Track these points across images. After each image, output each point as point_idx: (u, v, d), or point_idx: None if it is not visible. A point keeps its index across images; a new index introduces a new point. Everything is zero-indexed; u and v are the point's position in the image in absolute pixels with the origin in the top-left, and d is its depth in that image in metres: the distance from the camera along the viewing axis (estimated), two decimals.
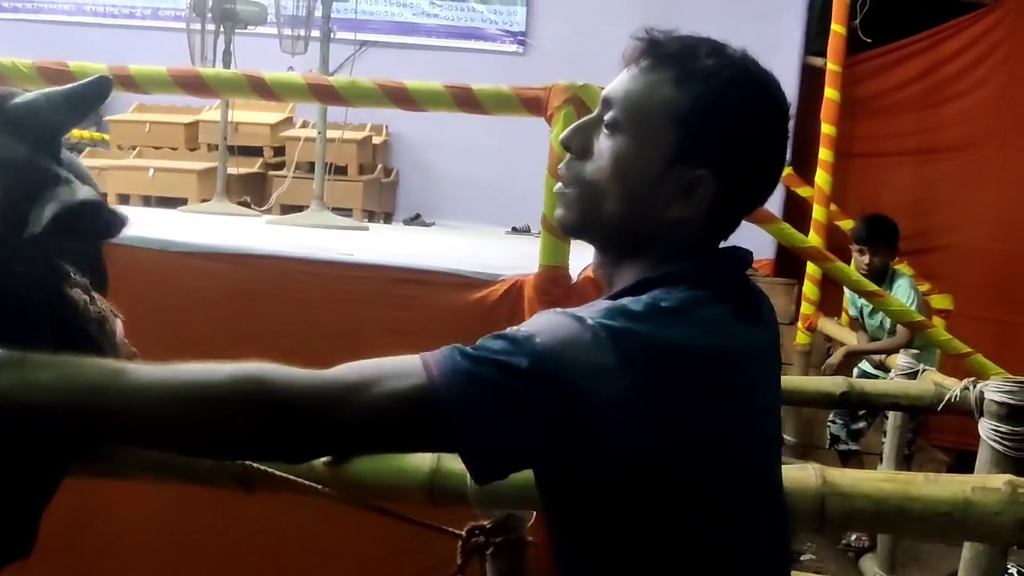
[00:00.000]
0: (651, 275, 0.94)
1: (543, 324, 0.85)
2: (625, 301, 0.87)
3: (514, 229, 5.99)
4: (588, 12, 6.49)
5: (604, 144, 0.97)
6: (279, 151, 6.14)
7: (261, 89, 2.22)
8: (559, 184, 1.01)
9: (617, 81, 0.99)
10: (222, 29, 4.88)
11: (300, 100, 3.40)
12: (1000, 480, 1.21)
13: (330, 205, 4.65)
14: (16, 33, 6.92)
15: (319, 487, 1.24)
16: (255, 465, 1.24)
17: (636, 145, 0.95)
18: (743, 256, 1.00)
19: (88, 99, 1.02)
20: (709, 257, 0.98)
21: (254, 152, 6.00)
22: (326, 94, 2.29)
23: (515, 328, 0.86)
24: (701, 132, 0.94)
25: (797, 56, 6.08)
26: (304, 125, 6.22)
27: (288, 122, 6.42)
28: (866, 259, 4.19)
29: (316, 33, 4.56)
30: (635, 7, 6.25)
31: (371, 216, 6.11)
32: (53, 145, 0.98)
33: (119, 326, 1.15)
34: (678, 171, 0.94)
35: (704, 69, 0.94)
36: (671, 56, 0.95)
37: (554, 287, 1.99)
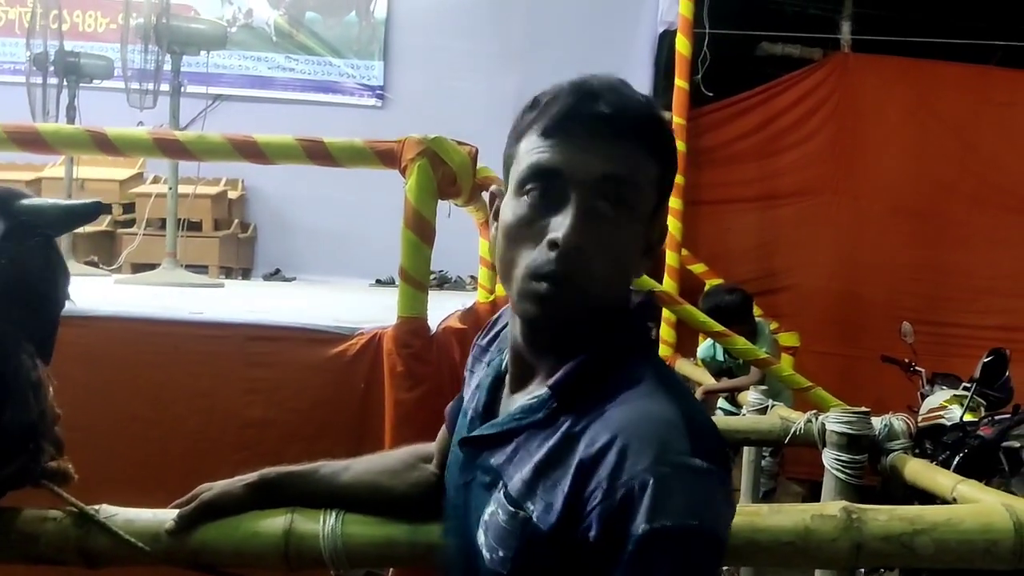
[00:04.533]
0: (605, 354, 0.95)
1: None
2: (672, 438, 0.85)
3: (378, 281, 5.96)
4: (445, 66, 6.60)
5: (603, 228, 0.92)
6: (128, 208, 5.93)
7: (105, 145, 2.14)
8: (544, 284, 0.92)
9: (589, 163, 0.92)
10: (65, 83, 4.70)
11: (147, 155, 3.32)
12: (836, 507, 1.28)
13: (184, 262, 4.51)
14: None
15: (167, 557, 1.19)
16: (100, 536, 1.19)
17: (632, 219, 0.94)
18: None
19: (81, 218, 1.25)
20: (637, 316, 1.02)
21: None
22: (174, 149, 2.24)
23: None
24: (666, 191, 0.99)
25: None
26: (156, 180, 6.02)
27: (138, 178, 6.21)
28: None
29: (166, 87, 4.45)
30: (492, 63, 6.42)
31: (229, 272, 5.95)
32: (46, 241, 1.20)
33: (51, 391, 1.24)
34: (647, 233, 0.98)
35: (664, 131, 0.98)
36: (637, 126, 0.94)
37: (413, 339, 1.99)
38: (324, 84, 6.88)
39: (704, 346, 4.96)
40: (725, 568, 4.09)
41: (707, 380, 4.74)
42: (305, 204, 6.53)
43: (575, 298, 0.92)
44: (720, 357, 4.78)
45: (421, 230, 2.03)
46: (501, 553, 0.91)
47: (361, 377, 2.07)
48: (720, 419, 3.12)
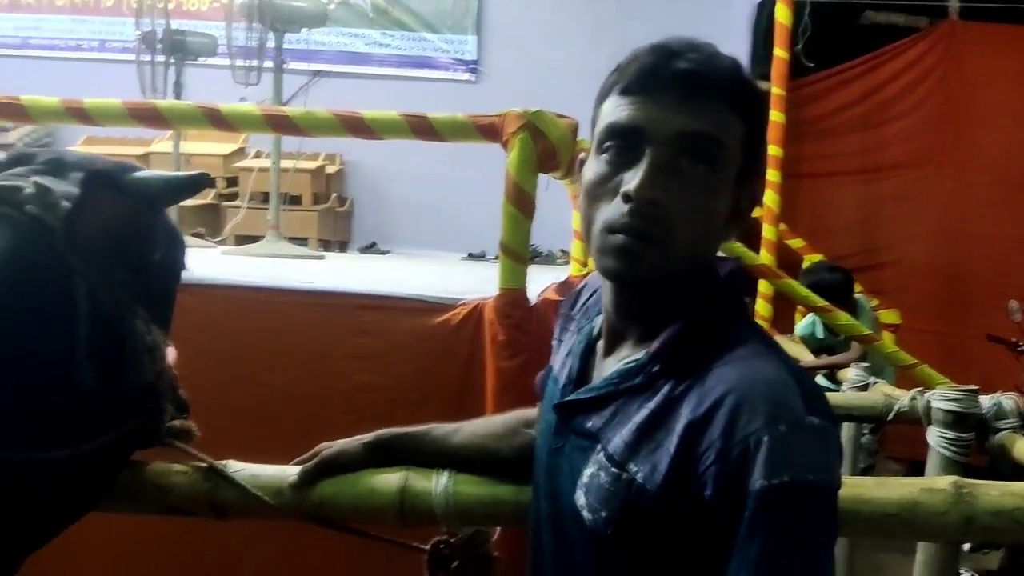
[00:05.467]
0: (706, 320, 0.95)
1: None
2: (788, 397, 0.86)
3: (470, 255, 6.03)
4: (537, 40, 6.60)
5: (686, 187, 0.92)
6: (232, 182, 6.13)
7: (217, 120, 2.23)
8: (620, 236, 0.92)
9: (667, 119, 0.92)
10: (172, 61, 4.87)
11: (256, 131, 3.42)
12: (945, 481, 1.27)
13: (285, 235, 4.65)
14: None
15: (290, 510, 1.26)
16: (228, 490, 1.26)
17: (717, 180, 0.94)
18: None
19: (187, 189, 1.26)
20: (731, 283, 1.02)
21: None
22: (283, 125, 2.31)
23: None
24: (755, 153, 0.97)
25: None
26: (257, 155, 6.21)
27: (240, 153, 6.40)
28: None
29: (268, 64, 4.58)
30: (584, 35, 6.38)
31: (326, 245, 6.11)
32: (154, 212, 1.24)
33: (171, 355, 1.30)
34: (736, 195, 0.96)
35: (750, 91, 0.96)
36: (719, 84, 0.93)
37: (514, 309, 2.03)
38: (419, 59, 6.96)
39: (804, 323, 4.87)
40: None
41: (806, 357, 4.66)
42: (401, 179, 6.64)
43: (653, 254, 0.92)
44: (820, 335, 4.69)
45: (521, 203, 2.05)
46: (604, 514, 0.92)
47: (463, 346, 2.12)
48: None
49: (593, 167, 0.97)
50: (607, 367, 1.01)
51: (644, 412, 0.92)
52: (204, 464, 1.30)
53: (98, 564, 1.93)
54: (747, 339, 0.94)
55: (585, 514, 0.94)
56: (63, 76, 6.38)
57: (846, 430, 3.31)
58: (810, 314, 4.64)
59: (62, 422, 1.09)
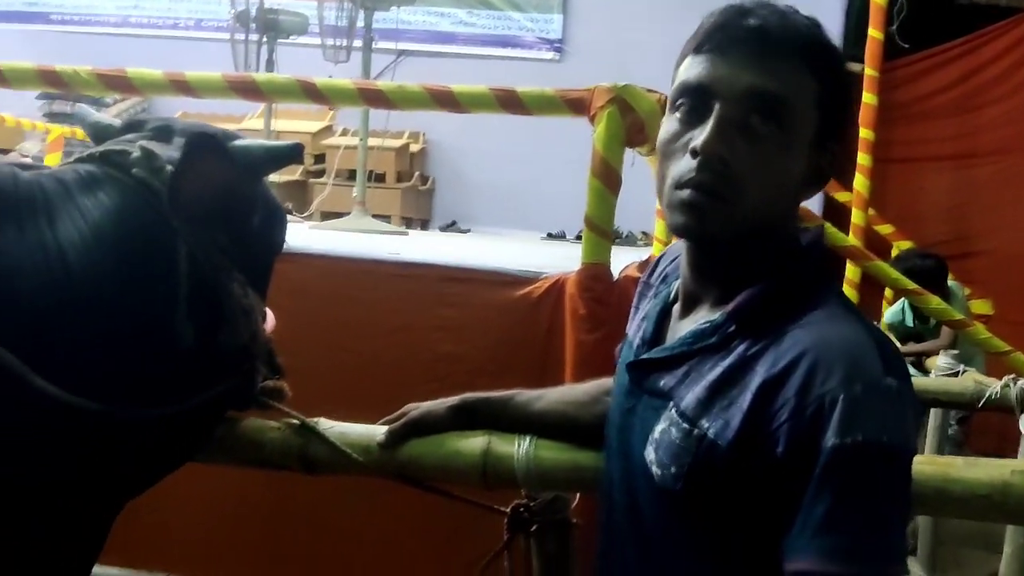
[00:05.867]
0: (786, 284, 0.95)
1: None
2: (868, 362, 0.86)
3: (550, 235, 6.05)
4: (625, 19, 6.54)
5: (755, 145, 0.92)
6: (319, 159, 6.25)
7: (313, 93, 2.30)
8: (687, 192, 0.93)
9: (736, 76, 0.92)
10: (265, 39, 4.99)
11: (350, 104, 3.48)
12: None
13: (369, 212, 4.73)
14: (66, 44, 7.11)
15: (377, 468, 1.30)
16: (319, 446, 1.31)
17: (789, 139, 0.93)
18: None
19: (286, 158, 1.30)
20: (813, 250, 1.00)
21: None
22: (375, 98, 2.36)
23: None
24: (834, 112, 0.96)
25: None
26: (343, 133, 6.32)
27: (328, 130, 6.53)
28: None
29: (357, 43, 4.65)
30: (672, 14, 6.29)
31: (408, 223, 6.19)
32: (253, 179, 1.28)
33: (270, 321, 1.36)
34: (813, 155, 0.96)
35: (826, 49, 0.95)
36: (791, 41, 0.93)
37: (596, 283, 2.03)
38: (503, 38, 6.97)
39: (892, 310, 4.75)
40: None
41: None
42: (482, 158, 6.68)
43: (719, 210, 0.92)
44: (909, 322, 4.57)
45: (607, 178, 2.06)
46: (673, 469, 0.92)
47: (543, 318, 2.14)
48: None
49: (666, 125, 0.98)
50: (682, 328, 1.02)
51: (718, 370, 0.92)
52: (296, 421, 1.35)
53: (183, 512, 2.02)
54: (827, 302, 0.93)
55: (654, 469, 0.95)
56: (160, 53, 6.58)
57: (933, 417, 3.23)
58: (899, 301, 4.53)
59: (163, 380, 1.14)
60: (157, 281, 1.12)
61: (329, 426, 1.34)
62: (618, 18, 6.59)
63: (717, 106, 0.92)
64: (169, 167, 1.15)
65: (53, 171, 1.14)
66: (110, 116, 1.49)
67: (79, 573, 1.22)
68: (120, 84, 2.43)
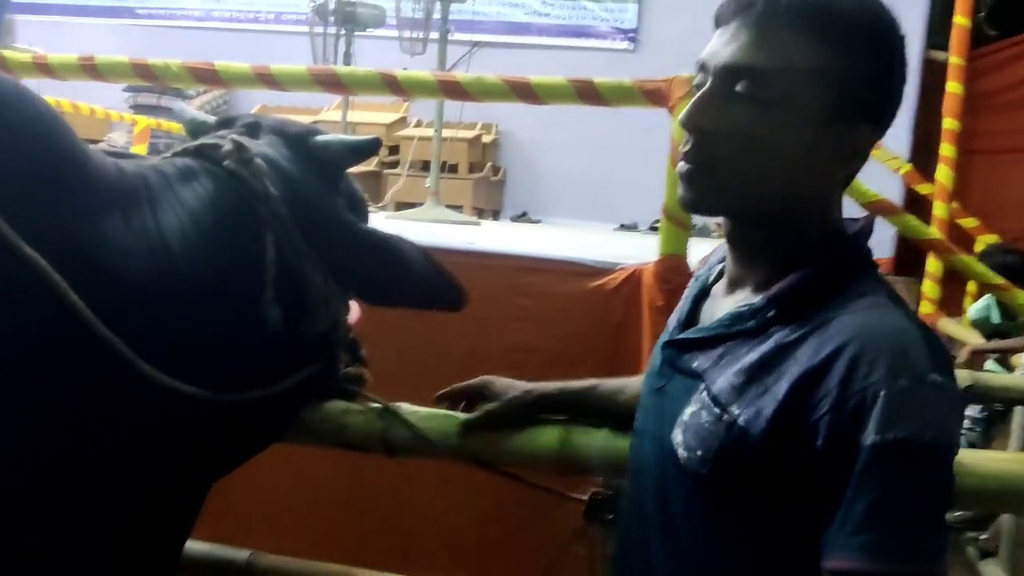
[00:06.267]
0: (829, 271, 0.92)
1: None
2: (915, 356, 0.84)
3: (622, 226, 6.02)
4: (699, 7, 6.43)
5: (741, 115, 0.91)
6: (393, 150, 6.34)
7: (393, 86, 2.34)
8: (680, 164, 0.95)
9: (721, 49, 0.92)
10: (343, 32, 5.07)
11: (429, 96, 3.51)
12: None
13: (442, 202, 4.78)
14: (151, 38, 7.34)
15: (455, 453, 1.33)
16: (399, 430, 1.34)
17: (782, 111, 0.90)
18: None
19: (366, 152, 1.37)
20: (858, 239, 0.97)
21: None
22: (454, 90, 2.38)
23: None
24: (855, 85, 0.90)
25: (918, 50, 5.91)
26: (418, 124, 6.39)
27: (402, 122, 6.61)
28: None
29: (433, 35, 4.70)
30: None
31: (480, 213, 6.24)
32: (335, 172, 1.35)
33: (354, 312, 1.42)
34: (837, 131, 0.91)
35: (845, 21, 0.90)
36: (792, 12, 0.89)
37: (673, 276, 2.02)
38: (578, 28, 6.96)
39: (978, 307, 4.61)
40: (982, 536, 3.87)
41: (974, 340, 4.42)
42: (553, 149, 6.68)
43: (703, 179, 0.94)
44: (995, 319, 4.43)
45: None
46: (699, 452, 0.91)
47: (618, 310, 2.14)
48: (993, 376, 2.92)
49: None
50: (721, 309, 1.00)
51: (754, 356, 0.90)
52: (379, 405, 1.38)
53: (269, 491, 2.08)
54: (872, 292, 0.91)
55: (680, 451, 0.94)
56: (241, 47, 6.77)
57: (1018, 416, 3.14)
58: (985, 296, 4.40)
59: (253, 366, 1.19)
60: (247, 267, 1.17)
61: (410, 411, 1.38)
62: (692, 7, 6.49)
63: (709, 81, 0.94)
64: (257, 160, 1.20)
65: (154, 164, 1.19)
66: (194, 108, 1.56)
67: (174, 548, 1.28)
68: (208, 77, 2.50)
